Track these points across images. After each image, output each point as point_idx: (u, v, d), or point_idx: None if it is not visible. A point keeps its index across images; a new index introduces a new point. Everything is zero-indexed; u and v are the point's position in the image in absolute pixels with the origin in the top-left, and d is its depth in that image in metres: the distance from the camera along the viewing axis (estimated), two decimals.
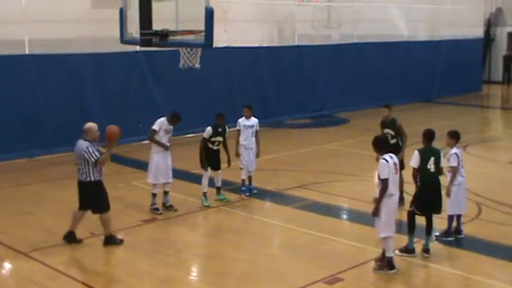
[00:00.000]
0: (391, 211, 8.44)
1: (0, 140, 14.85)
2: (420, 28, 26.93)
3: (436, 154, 9.08)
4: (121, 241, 9.70)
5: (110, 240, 9.64)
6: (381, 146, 8.64)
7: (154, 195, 11.17)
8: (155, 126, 11.08)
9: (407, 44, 25.39)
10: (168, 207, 11.28)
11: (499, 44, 32.94)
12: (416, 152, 9.00)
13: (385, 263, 8.53)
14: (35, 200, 12.16)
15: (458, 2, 27.02)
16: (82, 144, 9.48)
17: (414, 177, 9.03)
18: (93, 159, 9.37)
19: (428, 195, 8.98)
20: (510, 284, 8.36)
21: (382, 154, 8.50)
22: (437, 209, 9.10)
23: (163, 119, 11.12)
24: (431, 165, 8.96)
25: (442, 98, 26.61)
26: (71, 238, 9.68)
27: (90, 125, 9.77)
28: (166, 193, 11.29)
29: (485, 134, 20.81)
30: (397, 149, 10.48)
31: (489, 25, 32.38)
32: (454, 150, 9.52)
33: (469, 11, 28.04)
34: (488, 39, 32.22)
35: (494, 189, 12.58)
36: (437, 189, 9.07)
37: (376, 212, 8.43)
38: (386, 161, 8.39)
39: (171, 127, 11.21)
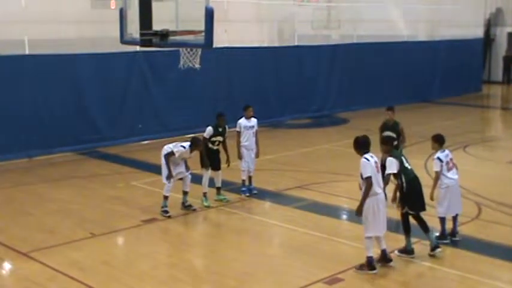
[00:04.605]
0: (378, 210, 8.42)
1: (0, 140, 14.86)
2: (420, 28, 26.95)
3: (402, 153, 9.29)
4: None
5: None
6: (362, 146, 8.59)
7: (166, 197, 10.96)
8: (176, 151, 10.77)
9: (407, 44, 25.38)
10: (187, 207, 11.27)
11: (499, 44, 32.93)
12: (390, 158, 8.83)
13: (379, 261, 8.59)
14: (34, 200, 12.16)
15: (458, 2, 27.00)
16: None
17: (396, 184, 9.03)
18: None
19: (418, 193, 8.96)
20: (510, 284, 8.37)
21: (362, 154, 8.49)
22: (424, 206, 9.09)
23: (186, 150, 10.80)
24: (407, 164, 8.99)
25: (441, 98, 26.61)
26: None
27: None
28: (185, 193, 11.25)
29: (485, 134, 20.81)
30: None
31: (489, 25, 32.36)
32: (438, 154, 9.48)
33: (469, 11, 28.02)
34: (488, 39, 32.20)
35: (494, 190, 12.56)
36: (421, 186, 9.08)
37: (360, 211, 8.40)
38: (367, 159, 8.40)
39: (191, 155, 11.01)
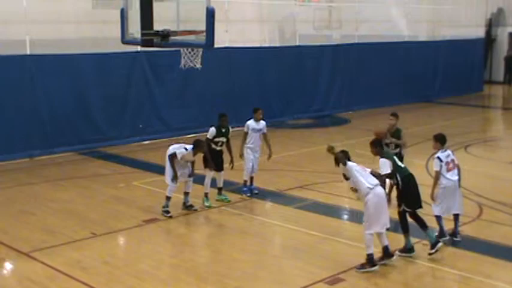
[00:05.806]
0: (379, 203, 8.48)
1: (1, 140, 14.87)
2: (421, 28, 26.93)
3: (393, 153, 9.53)
4: None
5: None
6: (342, 158, 8.75)
7: (168, 198, 10.94)
8: (178, 153, 10.75)
9: (408, 44, 25.39)
10: (188, 207, 11.27)
11: (500, 44, 32.93)
12: (382, 160, 8.93)
13: (381, 259, 8.62)
14: (35, 200, 12.17)
15: (459, 2, 27.01)
16: None
17: (390, 184, 9.11)
18: None
19: (414, 190, 8.97)
20: (511, 284, 8.36)
21: (344, 164, 8.67)
22: (420, 203, 9.10)
23: (189, 152, 10.79)
24: (400, 163, 9.06)
25: (443, 98, 26.61)
26: None
27: None
28: (186, 194, 11.24)
29: (487, 134, 20.80)
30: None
31: (490, 25, 32.35)
32: (438, 154, 9.49)
33: (470, 11, 28.05)
34: (489, 39, 32.19)
35: (496, 190, 12.57)
36: (416, 183, 9.09)
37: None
38: (351, 162, 8.72)
39: (194, 158, 11.01)
